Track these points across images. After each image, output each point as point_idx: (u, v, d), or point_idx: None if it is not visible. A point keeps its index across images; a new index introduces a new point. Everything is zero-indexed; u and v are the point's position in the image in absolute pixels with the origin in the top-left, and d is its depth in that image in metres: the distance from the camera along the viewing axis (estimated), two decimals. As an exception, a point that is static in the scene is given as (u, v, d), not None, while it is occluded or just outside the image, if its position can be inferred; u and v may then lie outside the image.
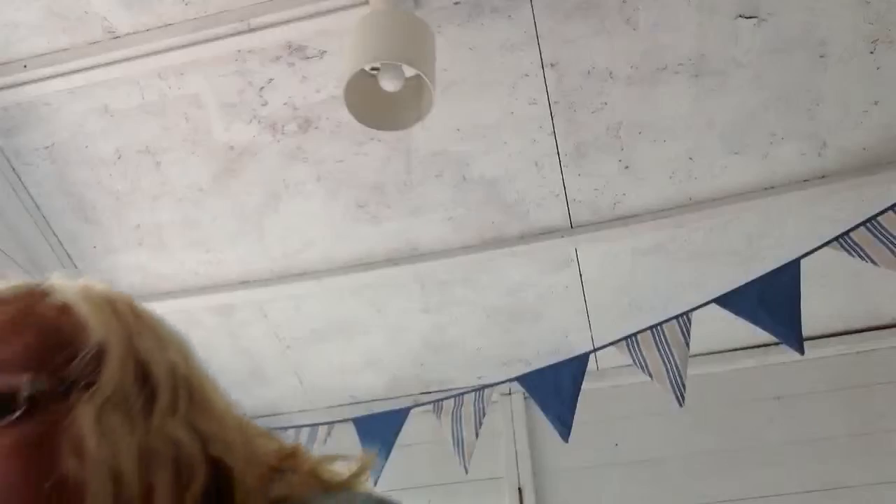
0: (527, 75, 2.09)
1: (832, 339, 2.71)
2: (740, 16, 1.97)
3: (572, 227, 2.44)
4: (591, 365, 2.39)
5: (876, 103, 2.13)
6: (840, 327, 2.72)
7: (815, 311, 2.22)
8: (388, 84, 1.73)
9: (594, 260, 2.54)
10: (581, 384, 2.29)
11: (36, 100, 2.18)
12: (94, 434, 0.51)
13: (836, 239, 2.00)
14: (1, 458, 0.50)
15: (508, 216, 2.42)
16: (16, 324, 0.56)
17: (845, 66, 2.05)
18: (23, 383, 0.51)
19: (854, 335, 2.72)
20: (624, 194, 2.36)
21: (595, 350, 2.40)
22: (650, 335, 2.23)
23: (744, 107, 2.15)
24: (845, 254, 1.99)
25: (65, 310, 0.57)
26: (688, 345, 2.19)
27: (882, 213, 1.96)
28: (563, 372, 2.32)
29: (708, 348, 2.74)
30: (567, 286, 2.61)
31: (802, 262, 2.05)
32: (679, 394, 2.17)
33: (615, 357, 2.36)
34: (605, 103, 2.15)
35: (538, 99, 2.14)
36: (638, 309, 2.61)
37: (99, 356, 0.54)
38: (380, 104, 1.79)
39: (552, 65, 2.07)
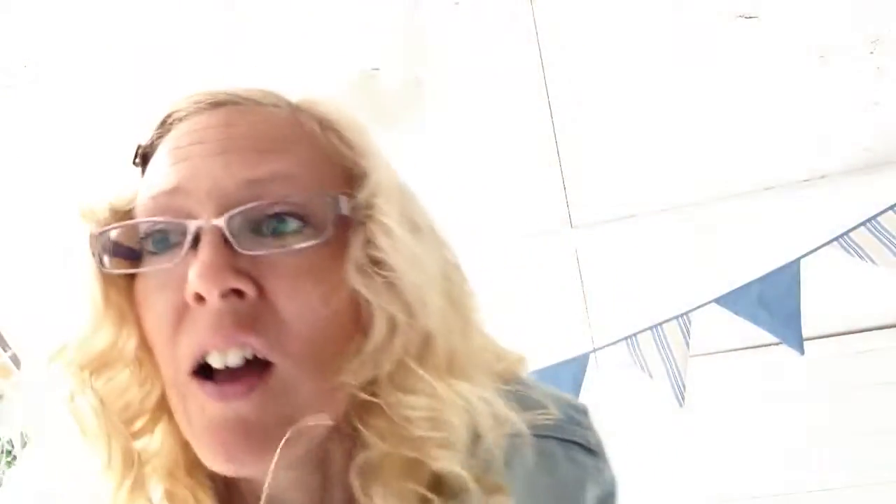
0: (527, 76, 2.09)
1: (832, 339, 2.71)
2: (740, 16, 1.97)
3: (572, 227, 2.44)
4: (591, 365, 2.39)
5: (876, 103, 2.13)
6: (840, 327, 2.72)
7: (815, 311, 2.21)
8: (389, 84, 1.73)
9: (594, 260, 2.54)
10: (581, 384, 2.29)
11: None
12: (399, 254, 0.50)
13: (836, 239, 2.00)
14: (307, 277, 0.47)
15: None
16: (293, 136, 0.52)
17: (845, 66, 2.05)
18: (332, 202, 0.49)
19: (854, 335, 2.72)
20: (624, 194, 2.36)
21: (595, 350, 2.40)
22: (650, 335, 2.23)
23: (744, 107, 2.14)
24: (845, 254, 1.99)
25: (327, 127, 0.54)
26: (688, 345, 2.19)
27: (882, 213, 1.96)
28: (563, 372, 2.32)
29: (708, 348, 2.74)
30: (567, 286, 2.61)
31: (802, 262, 2.05)
32: (679, 394, 2.17)
33: (615, 357, 2.36)
34: (606, 103, 2.14)
35: (538, 99, 2.14)
36: (638, 309, 2.61)
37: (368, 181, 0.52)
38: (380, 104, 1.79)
39: (552, 65, 2.07)
